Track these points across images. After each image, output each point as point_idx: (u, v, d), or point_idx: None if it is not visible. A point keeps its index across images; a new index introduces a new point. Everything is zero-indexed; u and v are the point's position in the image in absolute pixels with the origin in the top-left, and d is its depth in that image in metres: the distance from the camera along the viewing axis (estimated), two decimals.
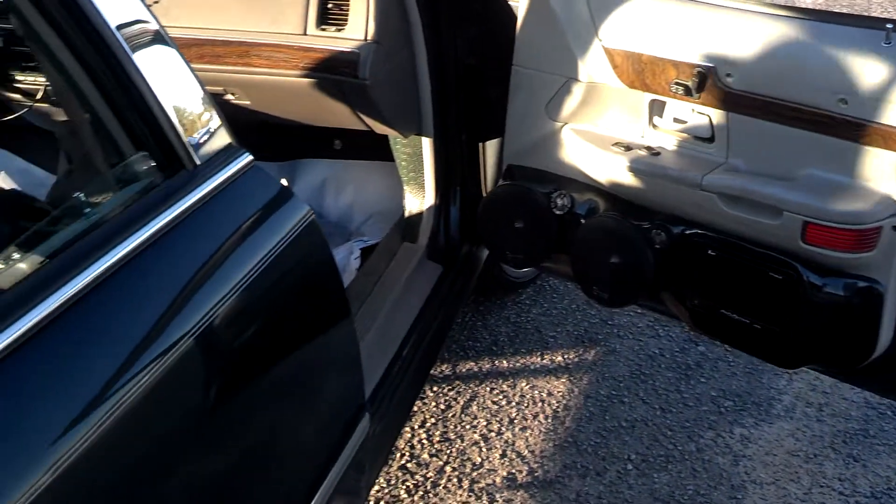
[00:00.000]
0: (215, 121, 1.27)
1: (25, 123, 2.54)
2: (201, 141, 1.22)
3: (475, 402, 2.48)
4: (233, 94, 2.15)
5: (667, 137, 1.87)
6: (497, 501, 2.16)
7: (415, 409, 2.45)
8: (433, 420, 2.42)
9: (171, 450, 1.10)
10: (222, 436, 1.19)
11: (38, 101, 2.37)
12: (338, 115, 2.09)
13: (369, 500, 2.16)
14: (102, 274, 1.02)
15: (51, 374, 0.95)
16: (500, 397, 2.49)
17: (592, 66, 1.87)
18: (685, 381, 2.49)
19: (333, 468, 1.40)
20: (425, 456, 2.31)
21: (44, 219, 1.13)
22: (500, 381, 2.55)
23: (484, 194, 2.28)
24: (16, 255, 1.03)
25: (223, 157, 1.24)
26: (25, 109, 2.40)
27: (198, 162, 1.20)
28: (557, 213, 1.97)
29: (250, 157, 1.28)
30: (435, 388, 2.53)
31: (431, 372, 2.58)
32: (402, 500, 2.18)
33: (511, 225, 2.03)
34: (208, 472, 1.19)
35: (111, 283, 1.03)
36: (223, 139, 1.27)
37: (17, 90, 2.38)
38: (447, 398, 2.50)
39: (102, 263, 1.02)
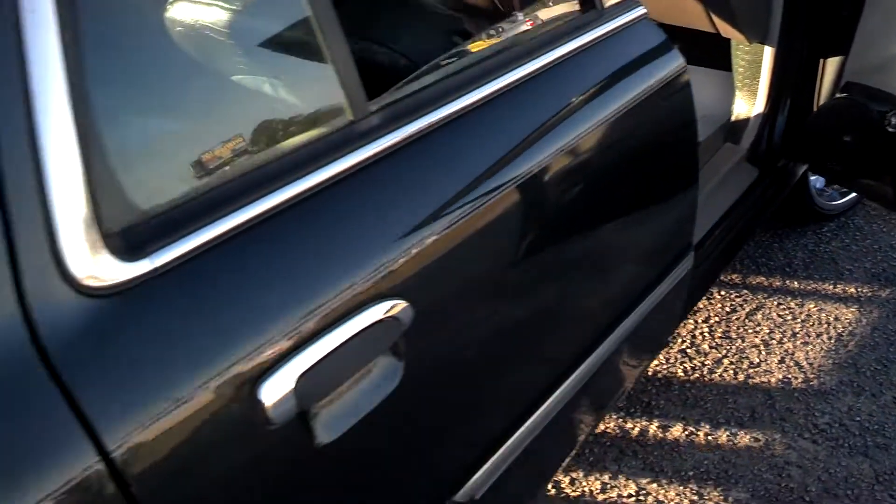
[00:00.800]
0: None
1: None
2: None
3: (760, 312, 2.61)
4: None
5: None
6: (770, 398, 2.30)
7: (700, 305, 2.63)
8: (717, 319, 2.59)
9: (509, 260, 1.28)
10: (561, 245, 1.40)
11: None
12: (691, 14, 2.27)
13: (648, 371, 2.39)
14: (518, 80, 1.28)
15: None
16: (786, 312, 2.60)
17: None
18: None
19: (660, 286, 1.63)
20: (705, 346, 2.49)
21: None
22: (789, 298, 2.66)
23: (815, 109, 2.37)
24: (447, 61, 1.28)
25: (625, 5, 1.49)
26: None
27: (606, 4, 1.46)
28: (890, 130, 2.04)
29: (645, 10, 1.52)
30: (723, 293, 2.69)
31: (721, 278, 2.74)
32: (678, 377, 2.38)
33: (839, 137, 2.13)
34: (540, 277, 1.36)
35: (528, 86, 1.31)
36: None
37: None
38: (733, 303, 2.65)
39: (523, 70, 1.30)
